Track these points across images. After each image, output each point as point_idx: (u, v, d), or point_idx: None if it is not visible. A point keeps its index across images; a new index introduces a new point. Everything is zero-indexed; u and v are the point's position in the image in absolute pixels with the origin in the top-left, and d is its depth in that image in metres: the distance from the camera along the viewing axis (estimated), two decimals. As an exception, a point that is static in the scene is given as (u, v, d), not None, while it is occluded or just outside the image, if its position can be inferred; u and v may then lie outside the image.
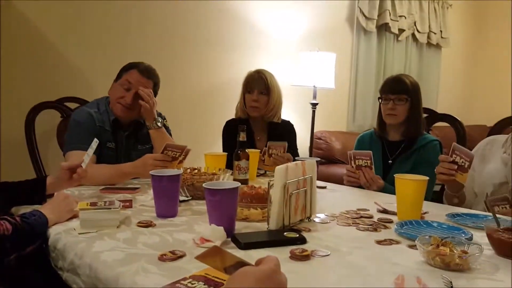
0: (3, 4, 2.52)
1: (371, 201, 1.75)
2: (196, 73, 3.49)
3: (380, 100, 2.31)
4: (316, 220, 1.49)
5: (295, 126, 2.75)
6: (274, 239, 1.23)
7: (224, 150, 2.56)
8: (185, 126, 3.29)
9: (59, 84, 2.77)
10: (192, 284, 0.92)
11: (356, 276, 1.00)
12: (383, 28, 4.79)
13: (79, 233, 1.26)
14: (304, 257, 1.09)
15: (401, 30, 4.92)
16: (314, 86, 3.81)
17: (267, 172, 2.38)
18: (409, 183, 1.51)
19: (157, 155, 1.91)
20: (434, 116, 2.69)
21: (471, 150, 2.07)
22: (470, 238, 1.26)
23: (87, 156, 1.64)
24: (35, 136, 2.49)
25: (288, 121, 2.73)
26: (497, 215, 1.32)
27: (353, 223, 1.45)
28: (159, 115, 2.17)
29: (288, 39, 4.06)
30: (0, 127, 2.56)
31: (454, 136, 2.53)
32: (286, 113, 2.85)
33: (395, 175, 1.54)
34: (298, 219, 1.43)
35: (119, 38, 3.02)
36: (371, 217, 1.55)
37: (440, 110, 2.96)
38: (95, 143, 1.67)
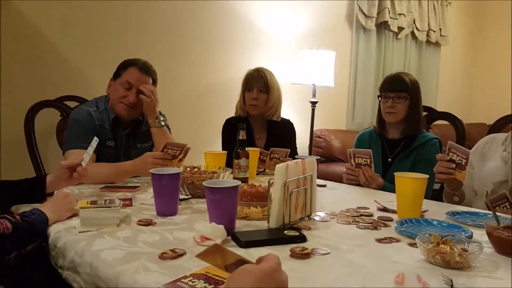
0: (2, 4, 2.52)
1: (371, 200, 1.75)
2: (195, 72, 3.49)
3: (379, 98, 2.31)
4: (316, 218, 1.49)
5: (294, 125, 2.75)
6: (274, 238, 1.23)
7: (223, 148, 2.56)
8: (185, 124, 3.30)
9: (58, 83, 2.77)
10: (193, 282, 0.92)
11: (356, 274, 1.00)
12: (382, 26, 4.79)
13: (79, 232, 1.26)
14: (304, 255, 1.09)
15: (401, 28, 4.93)
16: (313, 85, 3.81)
17: (267, 171, 2.38)
18: (409, 181, 1.51)
19: (157, 153, 1.91)
20: (434, 114, 2.68)
21: (470, 148, 2.07)
22: (470, 236, 1.26)
23: (87, 154, 1.64)
24: (34, 134, 2.49)
25: (288, 120, 2.73)
26: (497, 213, 1.32)
27: (353, 221, 1.45)
28: (159, 113, 2.17)
29: (288, 38, 4.06)
30: (0, 125, 2.55)
31: (454, 134, 2.53)
32: (286, 112, 2.85)
33: (395, 173, 1.54)
34: (298, 217, 1.43)
35: (119, 37, 3.02)
36: (371, 215, 1.55)
37: (439, 108, 2.95)
38: (95, 141, 1.67)
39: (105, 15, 2.95)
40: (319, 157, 2.09)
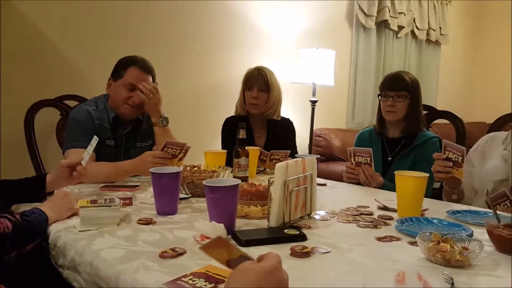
0: (2, 3, 2.51)
1: (371, 198, 1.75)
2: (195, 71, 3.48)
3: (379, 97, 2.31)
4: (316, 217, 1.49)
5: (294, 124, 2.75)
6: (275, 236, 1.23)
7: (223, 148, 2.56)
8: (185, 124, 3.29)
9: (58, 82, 2.76)
10: (193, 281, 0.92)
11: (356, 273, 1.00)
12: (382, 25, 4.78)
13: (80, 231, 1.26)
14: (305, 254, 1.09)
15: (401, 27, 4.92)
16: (313, 84, 3.81)
17: (267, 170, 2.38)
18: (409, 179, 1.51)
19: (156, 152, 1.91)
20: (434, 113, 2.68)
21: (470, 147, 2.08)
22: (471, 235, 1.26)
23: (87, 153, 1.64)
24: (34, 134, 2.49)
25: (288, 119, 2.72)
26: (498, 212, 1.32)
27: (353, 220, 1.45)
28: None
29: (288, 37, 4.06)
30: (0, 125, 2.55)
31: (454, 133, 2.53)
32: (286, 111, 2.84)
33: (395, 172, 1.54)
34: (298, 216, 1.43)
35: (118, 36, 3.01)
36: (371, 214, 1.55)
37: (439, 107, 2.96)
38: (95, 140, 1.67)
39: (105, 15, 2.94)
40: (319, 156, 2.09)
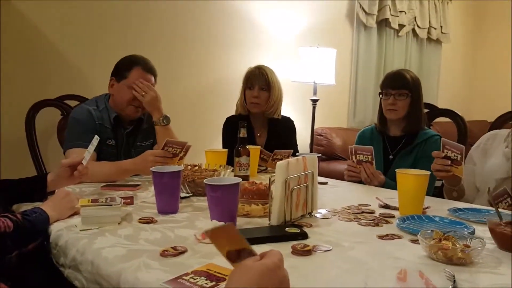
0: (2, 3, 2.52)
1: (372, 197, 1.75)
2: (196, 71, 3.48)
3: (380, 95, 2.30)
4: (318, 215, 1.49)
5: (295, 123, 2.74)
6: (276, 235, 1.23)
7: (224, 147, 2.55)
8: (185, 123, 3.29)
9: (58, 82, 2.76)
10: (194, 279, 0.92)
11: (358, 271, 1.00)
12: (383, 23, 4.78)
13: (81, 230, 1.26)
14: (306, 252, 1.09)
15: (401, 26, 4.91)
16: (314, 82, 3.80)
17: (268, 169, 2.38)
18: (411, 177, 1.51)
19: (157, 151, 1.91)
20: (435, 111, 2.68)
21: (472, 145, 2.07)
22: (473, 232, 1.26)
23: (88, 153, 1.64)
24: (35, 134, 2.49)
25: (288, 118, 2.72)
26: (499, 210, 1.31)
27: (354, 218, 1.45)
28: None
29: (288, 35, 4.05)
30: (1, 125, 2.55)
31: (455, 132, 2.52)
32: (286, 110, 2.84)
33: (397, 170, 1.54)
34: (300, 214, 1.43)
35: (118, 36, 3.01)
36: (372, 212, 1.54)
37: (440, 105, 2.95)
38: (95, 140, 1.67)
39: (105, 15, 2.94)
40: (320, 155, 2.09)
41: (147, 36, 3.15)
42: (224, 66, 3.63)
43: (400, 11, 4.82)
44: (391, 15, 4.71)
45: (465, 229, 1.29)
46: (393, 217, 1.47)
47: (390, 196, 1.71)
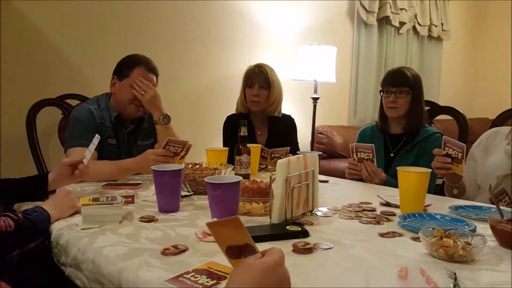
0: (2, 3, 2.51)
1: (373, 195, 1.75)
2: (196, 69, 3.48)
3: (381, 93, 2.30)
4: (319, 213, 1.49)
5: (296, 121, 2.74)
6: (277, 233, 1.23)
7: (224, 145, 2.55)
8: (186, 122, 3.29)
9: (59, 82, 2.76)
10: (195, 277, 0.92)
11: (359, 268, 1.00)
12: (384, 21, 4.77)
13: (82, 229, 1.27)
14: (307, 250, 1.09)
15: (402, 23, 4.90)
16: (315, 81, 3.80)
17: (269, 167, 2.38)
18: (412, 175, 1.50)
19: (158, 150, 1.91)
20: (436, 109, 2.67)
21: (473, 143, 2.07)
22: (474, 230, 1.25)
23: (89, 152, 1.64)
24: (36, 133, 2.49)
25: (289, 116, 2.72)
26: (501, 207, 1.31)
27: (355, 216, 1.45)
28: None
29: (288, 34, 4.05)
30: (1, 124, 2.55)
31: (456, 129, 2.52)
32: (287, 108, 2.84)
33: (398, 168, 1.54)
34: (301, 212, 1.42)
35: (118, 35, 3.01)
36: (373, 210, 1.54)
37: (441, 103, 2.94)
38: (96, 139, 1.67)
39: (105, 14, 2.94)
40: (321, 153, 2.08)
41: (147, 35, 3.15)
42: (224, 65, 3.63)
43: (401, 9, 4.81)
44: (392, 12, 4.70)
45: (466, 227, 1.29)
46: (394, 215, 1.47)
47: (391, 194, 1.71)
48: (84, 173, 1.62)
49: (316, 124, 4.00)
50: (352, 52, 4.63)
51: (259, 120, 2.62)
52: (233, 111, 2.68)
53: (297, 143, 2.68)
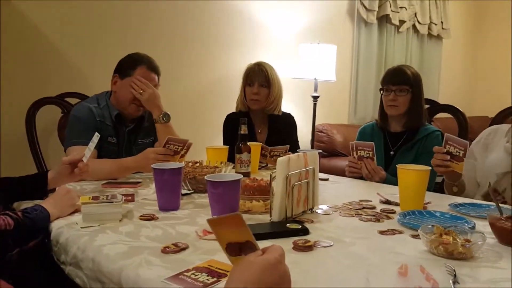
0: (2, 3, 2.51)
1: (373, 192, 1.75)
2: (196, 68, 3.48)
3: (381, 91, 2.30)
4: (319, 211, 1.49)
5: (296, 119, 2.74)
6: (277, 231, 1.23)
7: (224, 144, 2.56)
8: (186, 120, 3.29)
9: (58, 81, 2.76)
10: (196, 275, 0.92)
11: (359, 266, 1.00)
12: (383, 19, 4.77)
13: (82, 227, 1.26)
14: (307, 247, 1.09)
15: (402, 22, 4.90)
16: (315, 79, 3.80)
17: (269, 165, 2.38)
18: (411, 173, 1.51)
19: (158, 149, 1.91)
20: (436, 107, 2.67)
21: (473, 141, 2.07)
22: (473, 227, 1.26)
23: (88, 150, 1.63)
24: (36, 131, 2.49)
25: (289, 114, 2.72)
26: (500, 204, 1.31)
27: (355, 214, 1.45)
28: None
29: (288, 33, 4.05)
30: (1, 123, 2.55)
31: (456, 128, 2.52)
32: (287, 107, 2.84)
33: (397, 165, 1.54)
34: (301, 210, 1.42)
35: (118, 33, 3.01)
36: (373, 208, 1.54)
37: (441, 101, 2.95)
38: (96, 137, 1.67)
39: (104, 13, 2.94)
40: (321, 151, 2.09)
41: (147, 33, 3.15)
42: (224, 64, 3.63)
43: (401, 7, 4.81)
44: (392, 11, 4.70)
45: (466, 224, 1.29)
46: (394, 212, 1.47)
47: (391, 192, 1.72)
48: (83, 172, 1.61)
49: (316, 123, 4.00)
50: (352, 51, 4.63)
51: (259, 119, 2.62)
52: (233, 109, 2.68)
53: (297, 141, 2.68)
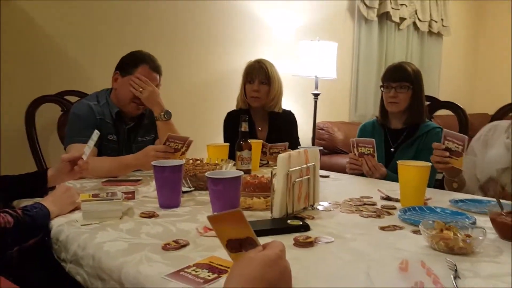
0: (2, 2, 2.51)
1: (374, 189, 1.75)
2: (196, 65, 3.48)
3: (382, 88, 2.30)
4: (320, 208, 1.48)
5: (297, 117, 2.74)
6: (278, 227, 1.22)
7: (225, 141, 2.55)
8: (186, 118, 3.29)
9: (58, 79, 2.76)
10: (196, 272, 0.92)
11: (360, 261, 1.00)
12: (384, 17, 4.76)
13: (82, 225, 1.26)
14: (308, 244, 1.08)
15: (402, 19, 4.90)
16: (315, 76, 3.79)
17: (270, 163, 2.37)
18: (412, 169, 1.50)
19: (159, 146, 1.91)
20: (437, 104, 2.67)
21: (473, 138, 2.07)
22: (474, 223, 1.25)
23: (88, 147, 1.63)
24: (35, 130, 2.49)
25: (289, 111, 2.72)
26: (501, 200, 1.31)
27: (356, 210, 1.44)
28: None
29: (289, 29, 4.04)
30: (0, 121, 2.55)
31: (456, 124, 2.52)
32: (288, 104, 2.84)
33: (398, 162, 1.54)
34: (302, 207, 1.42)
35: (118, 31, 3.00)
36: (374, 204, 1.54)
37: (441, 98, 2.94)
38: (95, 135, 1.66)
39: (105, 11, 2.93)
40: (322, 148, 2.08)
41: (146, 31, 3.14)
42: (224, 62, 3.62)
43: (401, 4, 4.81)
44: (392, 8, 4.70)
45: (467, 220, 1.28)
46: (395, 208, 1.47)
47: (392, 188, 1.72)
48: (83, 169, 1.61)
49: (317, 120, 4.00)
50: (353, 48, 4.63)
51: (259, 116, 2.62)
52: (234, 107, 2.68)
53: (298, 139, 2.68)
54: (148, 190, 1.71)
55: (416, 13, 5.06)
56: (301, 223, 1.23)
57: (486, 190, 1.72)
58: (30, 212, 1.25)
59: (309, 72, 3.78)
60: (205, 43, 3.50)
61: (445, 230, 1.08)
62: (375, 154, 2.05)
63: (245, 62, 2.63)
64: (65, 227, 1.26)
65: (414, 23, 5.11)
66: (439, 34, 5.52)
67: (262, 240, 0.81)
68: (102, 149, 2.02)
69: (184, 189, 1.63)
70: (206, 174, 1.33)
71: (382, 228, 1.25)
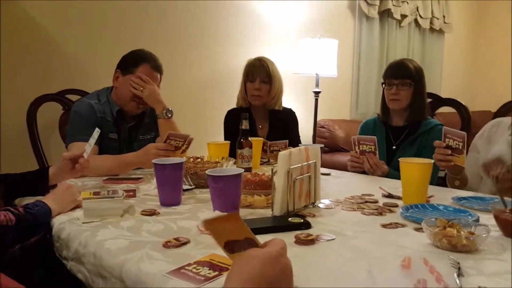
0: (2, 1, 2.51)
1: (375, 187, 1.74)
2: (196, 63, 3.47)
3: (383, 85, 2.29)
4: (321, 205, 1.48)
5: (298, 115, 2.73)
6: (279, 225, 1.22)
7: (225, 139, 2.55)
8: (187, 116, 3.28)
9: (59, 77, 2.76)
10: (197, 269, 0.91)
11: (361, 259, 0.99)
12: (385, 14, 4.75)
13: (83, 223, 1.26)
14: (309, 241, 1.08)
15: (404, 16, 4.88)
16: (316, 74, 3.78)
17: (271, 161, 2.37)
18: (414, 166, 1.50)
19: (159, 144, 1.90)
20: (439, 101, 2.66)
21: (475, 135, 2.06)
22: (477, 220, 1.25)
23: (89, 146, 1.63)
24: (37, 128, 2.49)
25: (290, 109, 2.71)
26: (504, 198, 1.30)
27: (358, 208, 1.44)
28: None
29: (289, 27, 4.03)
30: (2, 120, 2.55)
31: (459, 122, 2.51)
32: (289, 102, 2.83)
33: (400, 159, 1.53)
34: (303, 205, 1.42)
35: (119, 30, 3.00)
36: (376, 201, 1.53)
37: (443, 96, 2.93)
38: (96, 133, 1.66)
39: (105, 10, 2.93)
40: (323, 146, 2.08)
41: (147, 29, 3.14)
42: (225, 58, 3.62)
43: (402, 1, 4.80)
44: (393, 5, 4.68)
45: (470, 217, 1.28)
46: (397, 206, 1.46)
47: (394, 186, 1.71)
48: (84, 167, 1.61)
49: (318, 118, 3.99)
50: (354, 46, 4.61)
51: (260, 114, 2.61)
52: (234, 104, 2.67)
53: (299, 136, 2.67)
54: (149, 188, 1.70)
55: (418, 10, 5.04)
56: (302, 220, 1.23)
57: (489, 169, 1.70)
58: (32, 210, 1.25)
59: (310, 70, 3.77)
60: (205, 42, 3.49)
61: (448, 227, 1.07)
62: (377, 152, 2.04)
63: (246, 60, 2.62)
64: (67, 225, 1.26)
65: (416, 20, 5.10)
66: (440, 31, 5.50)
67: (263, 238, 0.80)
68: (103, 148, 2.02)
69: (185, 187, 1.63)
70: (206, 171, 1.32)
71: (384, 226, 1.24)
